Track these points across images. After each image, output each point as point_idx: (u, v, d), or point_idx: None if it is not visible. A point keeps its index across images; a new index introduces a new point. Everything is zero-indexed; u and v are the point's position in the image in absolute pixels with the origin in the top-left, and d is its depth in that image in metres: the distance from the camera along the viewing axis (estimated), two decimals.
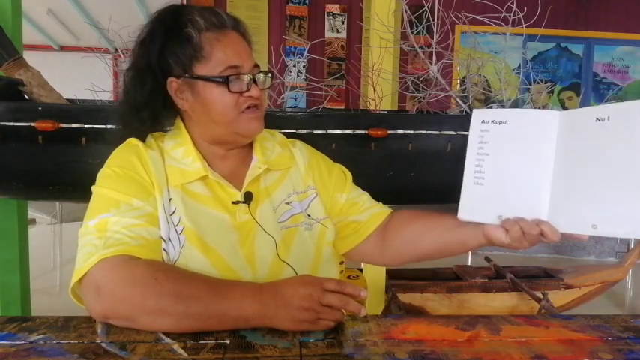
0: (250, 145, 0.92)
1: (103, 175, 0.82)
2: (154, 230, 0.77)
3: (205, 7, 0.89)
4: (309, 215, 0.91)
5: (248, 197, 0.85)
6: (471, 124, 0.81)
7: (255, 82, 0.84)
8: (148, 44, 0.83)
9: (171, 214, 0.80)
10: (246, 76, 0.83)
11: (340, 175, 0.99)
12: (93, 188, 0.81)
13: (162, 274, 0.70)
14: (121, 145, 0.86)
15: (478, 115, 0.81)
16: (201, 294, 0.68)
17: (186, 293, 0.68)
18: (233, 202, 0.84)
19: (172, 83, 0.84)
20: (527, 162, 0.76)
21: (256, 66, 0.86)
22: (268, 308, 0.67)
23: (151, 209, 0.79)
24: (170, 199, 0.81)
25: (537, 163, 0.75)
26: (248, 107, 0.84)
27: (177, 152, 0.86)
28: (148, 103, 0.84)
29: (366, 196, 1.00)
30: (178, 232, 0.80)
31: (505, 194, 0.77)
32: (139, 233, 0.75)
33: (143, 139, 0.87)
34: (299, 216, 0.89)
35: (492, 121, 0.79)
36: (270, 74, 0.88)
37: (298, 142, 1.00)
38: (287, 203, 0.89)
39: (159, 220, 0.79)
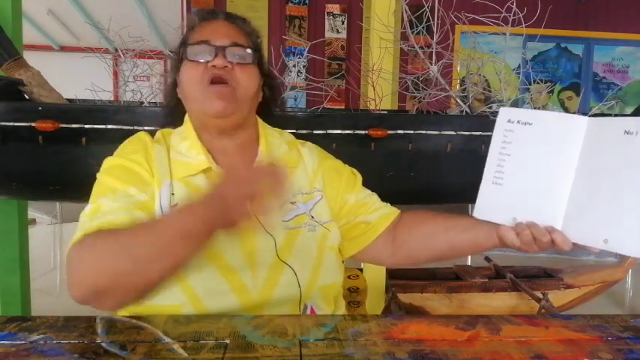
0: (257, 142, 0.92)
1: (107, 164, 0.85)
2: (146, 215, 0.78)
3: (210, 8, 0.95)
4: (312, 217, 0.90)
5: None
6: (497, 123, 0.80)
7: (224, 54, 0.83)
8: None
9: (173, 207, 0.81)
10: (207, 46, 0.83)
11: (350, 176, 0.99)
12: (97, 175, 0.84)
13: (106, 234, 0.70)
14: (130, 138, 0.89)
15: (505, 113, 0.79)
16: (139, 233, 0.68)
17: (126, 241, 0.68)
18: None
19: (178, 75, 0.90)
20: (549, 167, 0.74)
21: (236, 44, 0.85)
22: (205, 219, 0.66)
23: (147, 198, 0.80)
24: (172, 194, 0.82)
25: (559, 168, 0.74)
26: (212, 82, 0.83)
27: (183, 146, 0.87)
28: (178, 101, 0.92)
29: (375, 197, 0.99)
30: None
31: (522, 197, 0.76)
32: (128, 214, 0.76)
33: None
34: (303, 216, 0.89)
35: (518, 122, 0.78)
36: (250, 50, 0.86)
37: (309, 143, 1.00)
38: (292, 203, 0.89)
39: (154, 210, 0.80)
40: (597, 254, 4.33)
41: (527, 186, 0.76)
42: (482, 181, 0.80)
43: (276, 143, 0.93)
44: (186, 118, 0.91)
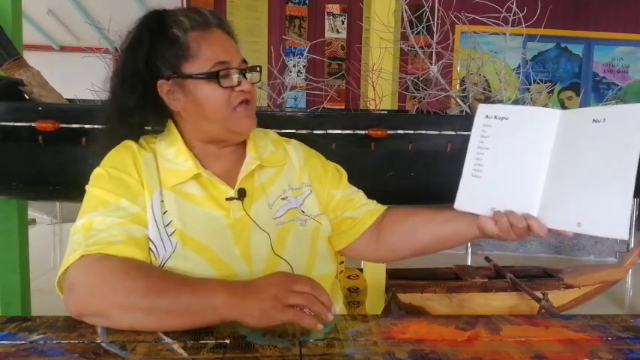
0: (244, 144, 0.92)
1: (96, 174, 0.83)
2: (140, 229, 0.78)
3: (189, 7, 0.91)
4: (303, 211, 0.91)
5: (241, 194, 0.85)
6: (475, 118, 0.83)
7: (245, 76, 0.84)
8: (135, 50, 0.84)
9: (164, 214, 0.81)
10: (235, 71, 0.83)
11: (335, 172, 1.01)
12: (86, 187, 0.82)
13: (135, 271, 0.70)
14: (117, 147, 0.87)
15: (483, 109, 0.83)
16: (171, 287, 0.68)
17: (155, 287, 0.68)
18: (227, 199, 0.84)
19: (163, 86, 0.85)
20: (525, 158, 0.78)
21: (244, 61, 0.87)
22: (237, 297, 0.66)
23: (139, 209, 0.79)
24: (162, 201, 0.82)
25: (534, 159, 0.77)
26: (240, 103, 0.84)
27: (169, 152, 0.86)
28: (137, 109, 0.85)
29: (361, 193, 1.01)
30: (169, 234, 0.80)
31: (500, 188, 0.79)
32: (124, 231, 0.75)
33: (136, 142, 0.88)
34: (294, 211, 0.90)
35: (495, 117, 0.81)
36: (259, 69, 0.89)
37: (294, 141, 1.01)
38: (283, 198, 0.90)
39: (147, 221, 0.79)
40: (597, 254, 4.29)
41: (504, 177, 0.79)
42: (463, 174, 0.83)
43: (262, 144, 0.94)
44: (171, 125, 0.89)
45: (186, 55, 0.83)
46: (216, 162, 0.89)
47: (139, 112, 0.85)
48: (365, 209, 0.97)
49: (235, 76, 0.83)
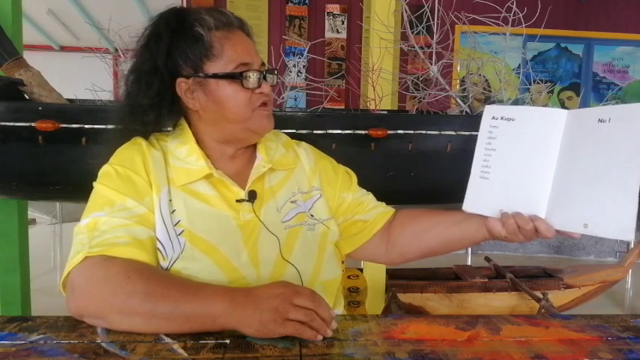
0: (255, 146, 0.92)
1: (104, 172, 0.82)
2: (145, 230, 0.77)
3: (211, 7, 0.89)
4: (312, 215, 0.91)
5: (252, 196, 0.85)
6: (482, 120, 0.83)
7: (265, 79, 0.84)
8: (153, 46, 0.82)
9: (172, 213, 0.80)
10: (256, 72, 0.83)
11: (345, 175, 1.00)
12: (94, 184, 0.81)
13: (136, 274, 0.69)
14: (126, 144, 0.86)
15: (489, 111, 0.83)
16: (171, 293, 0.67)
17: (156, 292, 0.67)
18: (237, 201, 0.84)
19: (182, 84, 0.83)
20: (532, 159, 0.77)
21: (263, 64, 0.86)
22: (237, 307, 0.65)
23: (145, 210, 0.78)
24: (170, 200, 0.81)
25: (541, 160, 0.77)
26: (260, 104, 0.84)
27: (181, 151, 0.85)
28: (153, 106, 0.84)
29: (370, 196, 1.01)
30: (177, 233, 0.79)
31: (508, 189, 0.79)
32: (128, 232, 0.75)
33: (146, 139, 0.87)
34: (303, 215, 0.90)
35: (502, 118, 0.81)
36: (276, 71, 0.89)
37: (304, 143, 1.01)
38: (292, 202, 0.90)
39: (154, 221, 0.79)
40: (597, 254, 4.28)
41: (512, 178, 0.79)
42: (470, 176, 0.83)
43: (272, 147, 0.94)
44: (184, 124, 0.89)
45: (209, 55, 0.82)
46: (228, 163, 0.88)
47: (154, 110, 0.84)
48: (376, 212, 0.97)
49: (257, 78, 0.83)
